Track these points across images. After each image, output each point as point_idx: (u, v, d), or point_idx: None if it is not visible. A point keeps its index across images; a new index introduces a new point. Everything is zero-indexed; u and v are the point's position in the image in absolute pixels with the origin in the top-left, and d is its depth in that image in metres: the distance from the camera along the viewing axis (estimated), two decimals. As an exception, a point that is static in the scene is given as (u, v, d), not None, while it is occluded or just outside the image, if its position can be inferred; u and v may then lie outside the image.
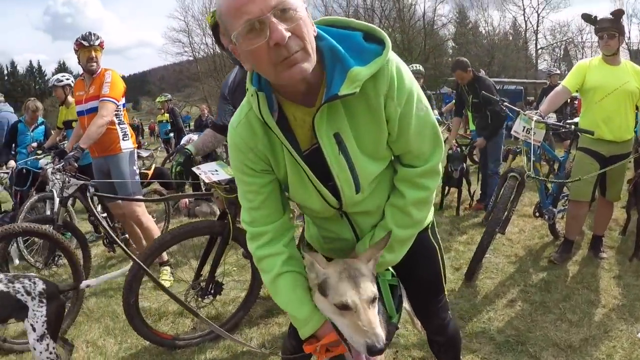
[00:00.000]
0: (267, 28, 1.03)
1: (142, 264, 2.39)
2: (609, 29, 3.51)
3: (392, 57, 1.19)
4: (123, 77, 3.97)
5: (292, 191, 1.38)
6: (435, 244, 1.61)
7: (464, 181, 5.79)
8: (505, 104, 4.31)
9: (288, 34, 1.03)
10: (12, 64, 70.95)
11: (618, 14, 3.57)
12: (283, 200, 1.42)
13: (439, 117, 6.75)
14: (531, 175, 3.65)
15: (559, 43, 35.67)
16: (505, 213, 3.62)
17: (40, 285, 2.20)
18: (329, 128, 1.23)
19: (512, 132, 3.81)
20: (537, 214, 4.20)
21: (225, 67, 34.10)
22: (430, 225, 1.59)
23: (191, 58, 40.40)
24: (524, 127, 3.69)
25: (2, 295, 2.12)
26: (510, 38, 37.47)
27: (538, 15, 34.98)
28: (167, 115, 10.72)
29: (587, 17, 3.72)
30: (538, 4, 34.73)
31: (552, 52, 36.63)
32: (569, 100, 6.91)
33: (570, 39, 34.65)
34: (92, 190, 3.41)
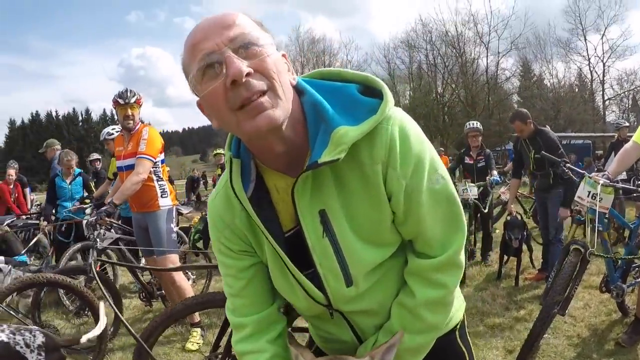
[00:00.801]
0: (224, 67, 0.84)
1: (143, 343, 2.23)
2: None
3: (395, 114, 0.94)
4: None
5: (274, 281, 1.13)
6: (465, 349, 1.27)
7: (525, 247, 5.24)
8: (568, 165, 3.86)
9: (248, 70, 0.84)
10: (87, 111, 78.14)
11: None
12: (271, 288, 1.16)
13: (497, 179, 6.19)
14: (594, 253, 3.13)
15: (626, 93, 33.99)
16: (566, 293, 3.14)
17: (40, 339, 2.17)
18: (313, 203, 0.98)
19: (576, 199, 3.34)
20: (604, 289, 3.67)
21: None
22: (458, 326, 1.26)
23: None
24: (589, 191, 3.22)
25: (2, 346, 2.10)
26: (576, 90, 36.08)
27: (604, 64, 33.63)
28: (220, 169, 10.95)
29: None
30: (603, 53, 33.45)
31: (620, 103, 34.99)
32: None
33: (638, 88, 32.94)
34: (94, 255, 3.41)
